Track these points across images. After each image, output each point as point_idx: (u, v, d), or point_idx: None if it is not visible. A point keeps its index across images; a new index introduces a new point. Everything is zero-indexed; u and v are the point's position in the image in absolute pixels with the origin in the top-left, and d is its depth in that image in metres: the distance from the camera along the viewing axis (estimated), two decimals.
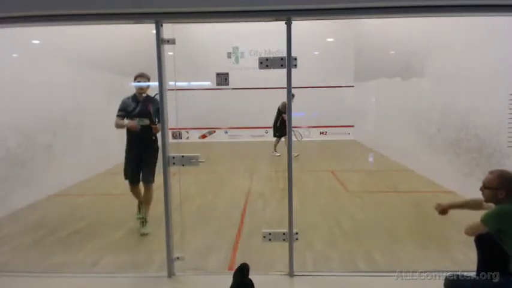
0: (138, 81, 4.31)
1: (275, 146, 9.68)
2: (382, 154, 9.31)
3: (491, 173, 2.47)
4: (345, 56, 12.39)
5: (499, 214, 2.36)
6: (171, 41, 3.13)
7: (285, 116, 8.93)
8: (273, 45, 11.23)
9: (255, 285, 2.66)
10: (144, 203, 4.41)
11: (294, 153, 8.11)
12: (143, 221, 4.34)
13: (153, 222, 4.60)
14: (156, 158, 4.35)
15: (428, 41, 6.64)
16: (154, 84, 3.27)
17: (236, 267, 2.86)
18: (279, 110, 9.43)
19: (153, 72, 3.32)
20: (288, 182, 3.25)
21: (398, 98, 8.38)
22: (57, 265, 3.57)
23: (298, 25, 3.06)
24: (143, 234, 4.24)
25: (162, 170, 3.28)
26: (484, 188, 2.47)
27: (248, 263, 2.90)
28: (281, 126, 9.29)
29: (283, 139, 9.53)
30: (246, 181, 6.97)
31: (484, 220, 2.36)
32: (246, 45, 12.41)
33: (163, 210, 3.29)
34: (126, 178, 4.42)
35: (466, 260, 3.38)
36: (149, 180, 4.33)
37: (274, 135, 9.70)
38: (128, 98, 4.38)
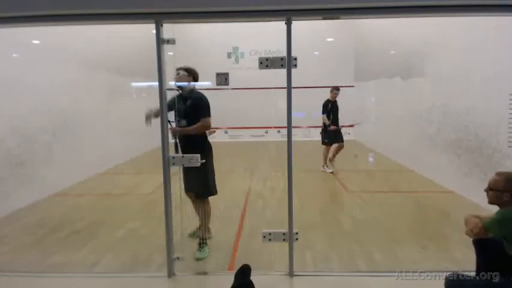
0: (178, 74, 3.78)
1: (325, 158, 7.77)
2: (382, 154, 9.30)
3: (498, 174, 2.42)
4: (345, 56, 12.38)
5: (502, 221, 2.33)
6: (171, 41, 3.13)
7: (325, 119, 7.71)
8: (273, 45, 11.21)
9: (256, 286, 2.66)
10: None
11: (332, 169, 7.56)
12: (200, 243, 3.77)
13: (153, 222, 4.61)
14: (206, 166, 3.69)
15: (428, 41, 6.64)
16: (154, 84, 3.27)
17: (236, 267, 2.87)
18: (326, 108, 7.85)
19: (153, 72, 3.32)
20: (288, 182, 3.25)
21: (398, 98, 8.39)
22: (57, 265, 3.57)
23: (298, 25, 3.06)
24: (198, 259, 3.63)
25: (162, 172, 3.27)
26: (489, 189, 2.43)
27: (248, 263, 2.90)
28: (330, 131, 7.72)
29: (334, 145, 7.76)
30: (246, 181, 6.97)
31: (487, 227, 2.34)
32: (246, 45, 12.41)
33: (163, 210, 3.29)
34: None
35: (466, 260, 3.38)
36: (197, 193, 3.86)
37: (323, 143, 7.87)
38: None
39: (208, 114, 3.79)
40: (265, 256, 3.64)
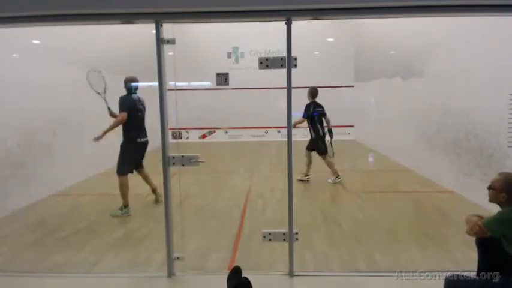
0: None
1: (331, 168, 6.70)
2: (382, 154, 9.31)
3: (499, 174, 2.46)
4: (345, 56, 12.38)
5: (501, 220, 2.35)
6: (171, 41, 3.13)
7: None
8: (273, 45, 11.20)
9: (255, 285, 2.66)
10: None
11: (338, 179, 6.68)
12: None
13: (153, 222, 4.62)
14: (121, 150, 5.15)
15: (428, 41, 6.64)
16: (154, 84, 3.29)
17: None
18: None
19: (153, 72, 3.32)
20: (288, 182, 3.25)
21: (398, 98, 8.38)
22: (57, 265, 3.57)
23: (298, 25, 3.06)
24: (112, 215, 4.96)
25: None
26: (490, 187, 2.46)
27: (248, 263, 2.90)
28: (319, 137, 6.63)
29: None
30: (246, 181, 6.97)
31: (487, 226, 2.36)
32: (246, 45, 12.40)
33: (163, 210, 3.29)
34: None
35: (466, 260, 3.38)
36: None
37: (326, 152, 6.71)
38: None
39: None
40: (265, 256, 3.64)
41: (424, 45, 6.88)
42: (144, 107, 5.17)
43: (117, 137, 5.06)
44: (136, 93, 5.09)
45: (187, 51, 11.05)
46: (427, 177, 6.74)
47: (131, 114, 5.00)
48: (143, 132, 5.08)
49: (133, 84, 5.06)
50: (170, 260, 3.29)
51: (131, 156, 5.10)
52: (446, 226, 4.44)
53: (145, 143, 5.14)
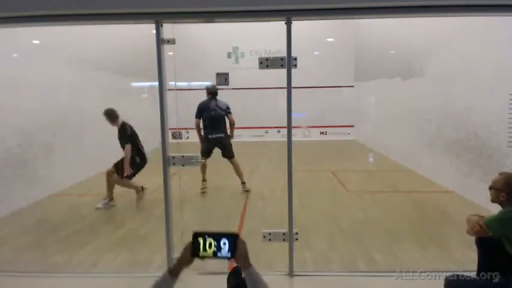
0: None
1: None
2: (382, 154, 9.30)
3: (500, 174, 2.47)
4: (345, 56, 12.37)
5: (502, 219, 2.35)
6: (171, 41, 3.14)
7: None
8: (273, 45, 11.18)
9: None
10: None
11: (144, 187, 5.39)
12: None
13: (153, 222, 4.62)
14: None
15: (428, 41, 6.64)
16: (155, 84, 3.30)
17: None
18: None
19: (153, 72, 3.33)
20: (288, 182, 3.25)
21: (398, 98, 8.38)
22: (57, 265, 3.57)
23: (298, 25, 3.06)
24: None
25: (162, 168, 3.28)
26: (491, 187, 2.47)
27: None
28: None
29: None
30: (246, 181, 6.96)
31: (488, 225, 2.35)
32: (246, 45, 12.38)
33: (163, 210, 3.29)
34: None
35: (466, 260, 3.38)
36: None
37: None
38: None
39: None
40: (265, 256, 3.64)
41: (424, 45, 6.88)
42: (220, 108, 6.05)
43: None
44: (212, 97, 6.04)
45: (187, 51, 11.02)
46: (427, 177, 6.74)
47: (203, 115, 6.06)
48: (216, 130, 6.03)
49: (207, 89, 6.13)
50: (170, 260, 3.29)
51: (204, 149, 6.10)
52: (446, 226, 4.44)
53: (218, 138, 6.04)
